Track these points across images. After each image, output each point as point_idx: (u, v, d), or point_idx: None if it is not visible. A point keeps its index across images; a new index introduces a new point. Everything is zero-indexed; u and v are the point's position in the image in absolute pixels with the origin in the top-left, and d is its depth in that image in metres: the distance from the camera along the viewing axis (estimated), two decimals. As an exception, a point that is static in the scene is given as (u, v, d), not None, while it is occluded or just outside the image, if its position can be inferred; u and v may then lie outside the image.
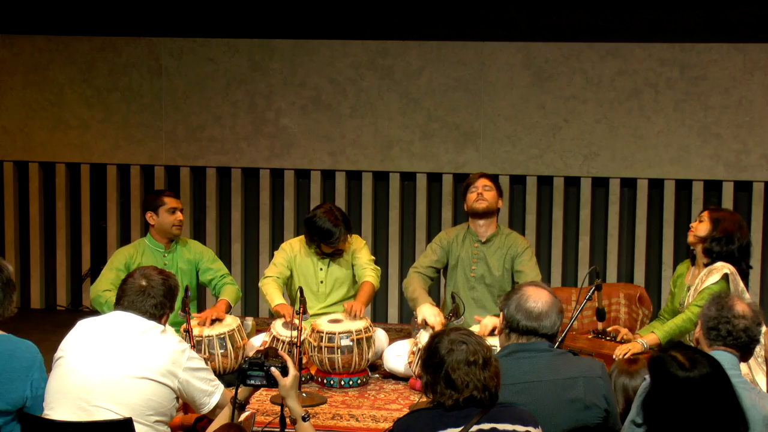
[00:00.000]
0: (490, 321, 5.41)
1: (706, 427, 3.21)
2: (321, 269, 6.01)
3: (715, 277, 5.19)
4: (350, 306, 5.66)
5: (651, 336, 5.18)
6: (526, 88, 7.51)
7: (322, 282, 6.01)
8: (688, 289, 5.35)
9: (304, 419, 3.75)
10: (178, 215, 5.90)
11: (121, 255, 5.91)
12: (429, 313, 5.50)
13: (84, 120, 8.00)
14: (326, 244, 5.89)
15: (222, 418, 3.91)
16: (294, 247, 6.09)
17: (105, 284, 5.71)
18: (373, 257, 6.08)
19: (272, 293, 5.89)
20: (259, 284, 6.04)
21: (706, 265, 5.30)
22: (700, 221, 5.36)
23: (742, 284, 5.25)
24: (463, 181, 7.58)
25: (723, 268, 5.20)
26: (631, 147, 7.43)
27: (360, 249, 6.05)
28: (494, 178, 6.05)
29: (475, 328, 5.32)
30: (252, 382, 3.85)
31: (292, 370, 3.80)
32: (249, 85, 7.81)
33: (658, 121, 7.39)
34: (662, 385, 3.27)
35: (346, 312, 5.65)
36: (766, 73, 7.26)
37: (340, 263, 6.02)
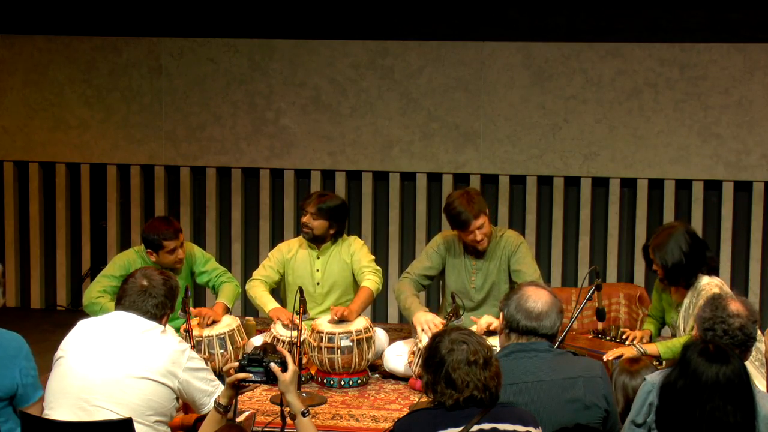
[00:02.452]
0: (486, 319, 5.40)
1: (716, 418, 3.24)
2: (317, 270, 5.97)
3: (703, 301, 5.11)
4: (336, 309, 5.58)
5: (652, 347, 5.14)
6: (526, 88, 7.51)
7: (318, 283, 5.97)
8: (678, 306, 5.31)
9: (303, 414, 3.75)
10: (179, 253, 5.72)
11: (119, 263, 5.81)
12: (426, 320, 5.46)
13: (84, 120, 7.99)
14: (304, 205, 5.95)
15: (211, 419, 3.91)
16: (292, 247, 6.06)
17: (97, 292, 5.65)
18: (372, 257, 6.02)
19: (262, 296, 5.86)
20: (246, 287, 5.98)
21: (686, 286, 5.24)
22: (655, 264, 5.24)
23: (730, 292, 5.22)
24: (463, 182, 7.61)
25: (710, 288, 5.13)
26: (631, 147, 7.43)
27: (358, 250, 5.96)
28: (481, 208, 5.60)
29: (474, 329, 5.32)
30: (251, 378, 3.85)
31: (291, 365, 3.80)
32: (249, 85, 7.81)
33: (658, 121, 7.39)
34: (688, 374, 3.30)
35: (332, 315, 5.58)
36: (766, 73, 7.25)
37: (337, 264, 5.97)
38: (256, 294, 5.89)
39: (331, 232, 5.93)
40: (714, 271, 5.26)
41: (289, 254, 6.01)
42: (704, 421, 3.24)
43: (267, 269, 6.00)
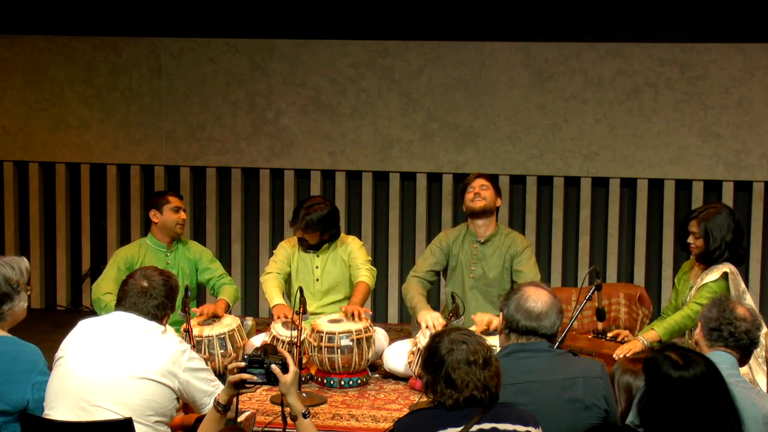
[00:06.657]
0: (485, 316, 5.41)
1: (700, 427, 3.21)
2: (317, 267, 6.03)
3: (715, 275, 5.19)
4: (348, 309, 5.64)
5: (651, 333, 5.18)
6: (526, 88, 7.51)
7: (318, 280, 6.03)
8: (691, 288, 5.35)
9: (304, 416, 3.75)
10: (182, 214, 5.99)
11: (123, 254, 5.95)
12: (430, 318, 5.50)
13: (84, 120, 8.00)
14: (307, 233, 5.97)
15: (210, 417, 3.91)
16: (293, 243, 6.15)
17: (107, 286, 5.74)
18: (369, 258, 6.13)
19: (271, 291, 5.93)
20: (260, 279, 6.13)
21: (709, 265, 5.30)
22: (695, 237, 5.31)
23: (743, 284, 5.26)
24: (463, 181, 7.60)
25: (723, 267, 5.20)
26: (631, 147, 7.43)
27: (356, 250, 6.07)
28: (492, 178, 6.06)
29: (474, 328, 5.32)
30: (253, 379, 3.85)
31: (292, 367, 3.80)
32: (249, 85, 7.81)
33: (658, 121, 7.39)
34: (657, 386, 3.27)
35: (344, 315, 5.64)
36: (766, 73, 7.25)
37: (335, 262, 6.05)
38: (267, 289, 5.98)
39: (325, 237, 6.01)
40: (739, 261, 5.31)
41: (292, 249, 6.10)
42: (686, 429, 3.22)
43: (278, 263, 6.09)
